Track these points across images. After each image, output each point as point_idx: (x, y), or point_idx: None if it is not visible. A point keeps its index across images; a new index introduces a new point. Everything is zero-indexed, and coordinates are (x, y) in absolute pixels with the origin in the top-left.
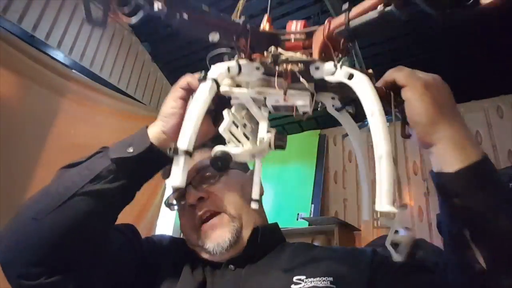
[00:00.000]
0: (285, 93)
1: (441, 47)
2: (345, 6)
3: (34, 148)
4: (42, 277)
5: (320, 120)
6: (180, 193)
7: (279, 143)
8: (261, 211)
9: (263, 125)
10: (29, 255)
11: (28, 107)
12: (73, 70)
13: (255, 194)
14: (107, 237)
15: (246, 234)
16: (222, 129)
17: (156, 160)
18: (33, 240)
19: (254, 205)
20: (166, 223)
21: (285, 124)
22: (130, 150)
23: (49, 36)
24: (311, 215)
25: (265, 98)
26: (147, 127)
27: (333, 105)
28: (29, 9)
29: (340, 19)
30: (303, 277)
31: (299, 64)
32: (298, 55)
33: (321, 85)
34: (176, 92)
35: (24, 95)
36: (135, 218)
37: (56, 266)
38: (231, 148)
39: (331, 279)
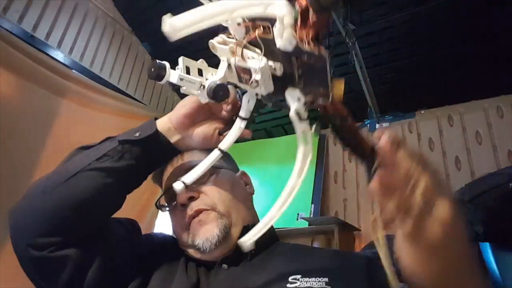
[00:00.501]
0: (241, 51)
1: (441, 47)
2: None
3: (34, 148)
4: (47, 249)
5: (320, 120)
6: (171, 194)
7: (216, 91)
8: (252, 210)
9: (215, 76)
10: (36, 225)
11: (28, 107)
12: (73, 70)
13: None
14: (109, 221)
15: (235, 231)
16: (181, 59)
17: (161, 146)
18: (41, 212)
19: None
20: (165, 223)
21: (285, 124)
22: (137, 134)
23: (49, 36)
24: (311, 215)
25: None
26: (156, 118)
27: (297, 112)
28: (29, 9)
29: None
30: (298, 277)
31: (268, 29)
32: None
33: (290, 76)
34: None
35: (24, 95)
36: (135, 218)
37: (61, 240)
38: (172, 71)
39: (326, 279)
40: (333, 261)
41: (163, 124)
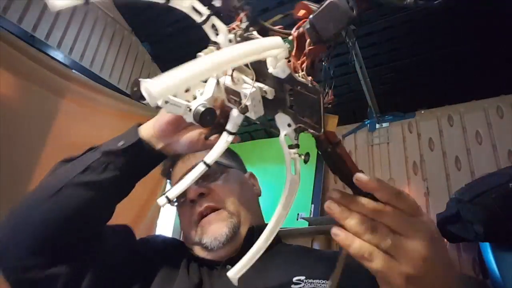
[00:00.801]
0: (232, 73)
1: (441, 47)
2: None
3: (34, 148)
4: (35, 270)
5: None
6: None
7: (203, 117)
8: (258, 211)
9: (202, 96)
10: (24, 245)
11: (28, 107)
12: (73, 70)
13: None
14: (101, 232)
15: (243, 231)
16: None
17: (145, 154)
18: (28, 230)
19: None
20: (166, 223)
21: None
22: (120, 144)
23: (49, 36)
24: (311, 215)
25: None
26: (140, 124)
27: (285, 134)
28: (29, 9)
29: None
30: (302, 278)
31: None
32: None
33: (281, 101)
34: None
35: (24, 95)
36: (135, 218)
37: (50, 259)
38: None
39: (330, 282)
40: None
41: (147, 131)
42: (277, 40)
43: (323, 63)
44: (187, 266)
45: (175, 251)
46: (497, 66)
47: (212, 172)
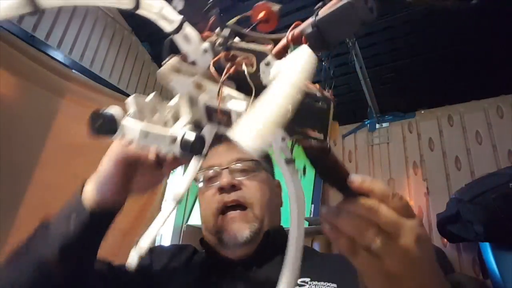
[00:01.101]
0: (219, 90)
1: (441, 47)
2: (319, 4)
3: (34, 148)
4: None
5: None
6: (211, 174)
7: (193, 147)
8: (279, 221)
9: (182, 120)
10: None
11: (28, 107)
12: (73, 70)
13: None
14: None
15: (261, 236)
16: (132, 99)
17: (104, 216)
18: None
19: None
20: (166, 223)
21: None
22: (72, 223)
23: (49, 36)
24: (311, 215)
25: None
26: (83, 185)
27: (280, 149)
28: None
29: (308, 21)
30: (307, 280)
31: (253, 60)
32: (252, 45)
33: None
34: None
35: (24, 95)
36: (135, 218)
37: None
38: (130, 120)
39: (335, 285)
40: (342, 267)
41: (93, 200)
42: (311, 52)
43: (323, 63)
44: (186, 265)
45: (175, 258)
46: (497, 66)
47: (248, 168)
